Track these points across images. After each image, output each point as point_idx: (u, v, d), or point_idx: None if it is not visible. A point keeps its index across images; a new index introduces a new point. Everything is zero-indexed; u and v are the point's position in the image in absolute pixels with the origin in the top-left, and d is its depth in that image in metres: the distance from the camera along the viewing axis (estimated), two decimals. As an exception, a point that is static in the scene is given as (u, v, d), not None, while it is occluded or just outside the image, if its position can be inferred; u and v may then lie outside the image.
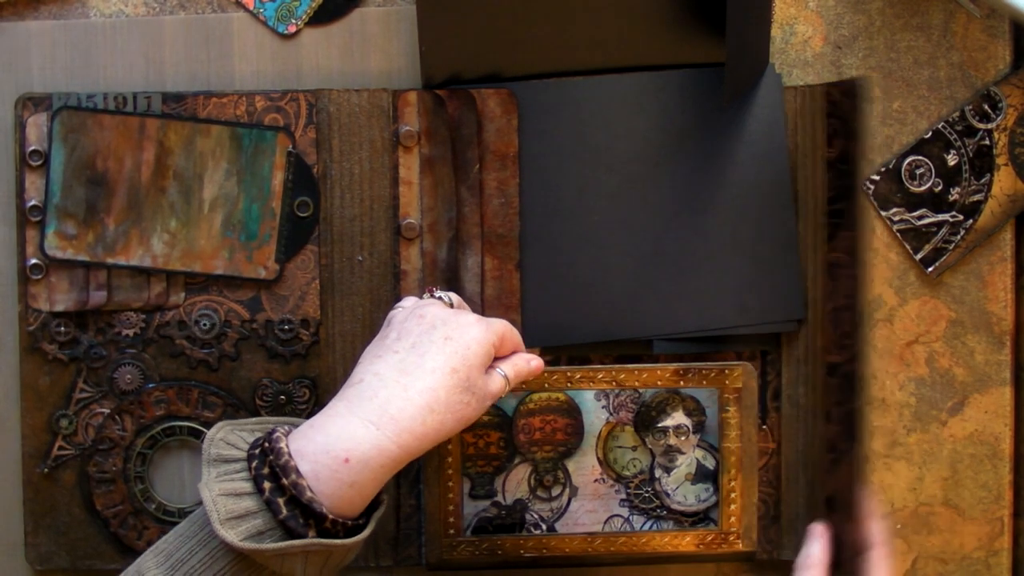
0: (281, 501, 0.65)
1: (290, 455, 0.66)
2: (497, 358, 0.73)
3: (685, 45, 0.82)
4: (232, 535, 0.64)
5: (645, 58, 0.82)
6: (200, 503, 0.67)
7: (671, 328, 0.82)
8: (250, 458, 0.67)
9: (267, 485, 0.66)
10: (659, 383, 0.81)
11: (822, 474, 0.83)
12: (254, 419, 0.73)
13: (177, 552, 0.66)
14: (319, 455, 0.66)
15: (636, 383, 0.81)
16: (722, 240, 0.82)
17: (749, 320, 0.82)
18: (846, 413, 0.81)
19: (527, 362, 0.75)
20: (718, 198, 0.82)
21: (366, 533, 0.69)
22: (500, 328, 0.73)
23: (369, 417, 0.67)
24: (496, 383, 0.72)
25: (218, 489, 0.66)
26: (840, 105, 0.81)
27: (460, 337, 0.70)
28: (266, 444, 0.67)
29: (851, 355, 0.81)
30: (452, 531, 0.81)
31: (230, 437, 0.70)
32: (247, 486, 0.66)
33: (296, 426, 0.69)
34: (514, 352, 0.75)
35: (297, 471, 0.65)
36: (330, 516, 0.66)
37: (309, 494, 0.65)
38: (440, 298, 0.76)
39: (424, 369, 0.68)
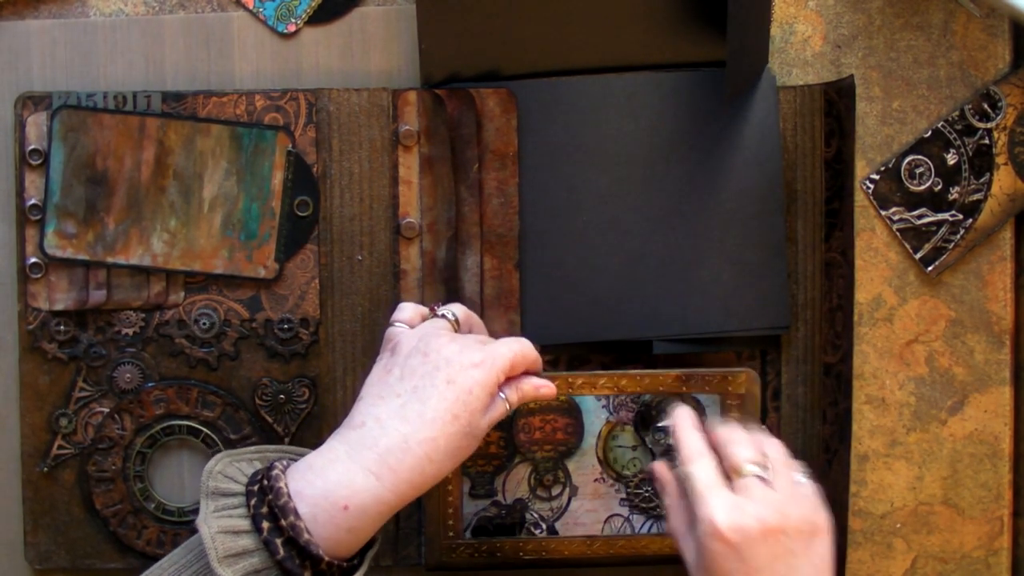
0: (279, 542, 0.66)
1: (289, 496, 0.66)
2: (508, 378, 0.72)
3: (684, 44, 0.82)
4: (229, 572, 0.65)
5: (645, 57, 0.82)
6: (196, 531, 0.67)
7: (671, 328, 0.82)
8: (248, 494, 0.68)
9: (265, 525, 0.66)
10: (661, 388, 0.81)
11: (818, 475, 0.82)
12: (252, 448, 0.73)
13: None
14: (318, 499, 0.66)
15: (638, 388, 0.80)
16: (714, 244, 0.82)
17: (737, 326, 0.82)
18: (838, 414, 0.81)
19: (535, 388, 0.73)
20: (713, 201, 0.82)
21: (360, 574, 0.69)
22: (508, 360, 0.71)
23: (369, 467, 0.67)
24: (497, 409, 0.71)
25: (217, 526, 0.66)
26: (836, 104, 0.81)
27: (463, 381, 0.69)
28: (265, 481, 0.67)
29: (843, 355, 0.81)
30: (451, 533, 0.81)
31: (228, 470, 0.70)
32: (245, 524, 0.67)
33: (294, 457, 0.70)
34: (525, 373, 0.74)
35: (296, 513, 0.66)
36: (326, 558, 0.66)
37: (307, 536, 0.66)
38: (444, 316, 0.75)
39: (425, 419, 0.68)
